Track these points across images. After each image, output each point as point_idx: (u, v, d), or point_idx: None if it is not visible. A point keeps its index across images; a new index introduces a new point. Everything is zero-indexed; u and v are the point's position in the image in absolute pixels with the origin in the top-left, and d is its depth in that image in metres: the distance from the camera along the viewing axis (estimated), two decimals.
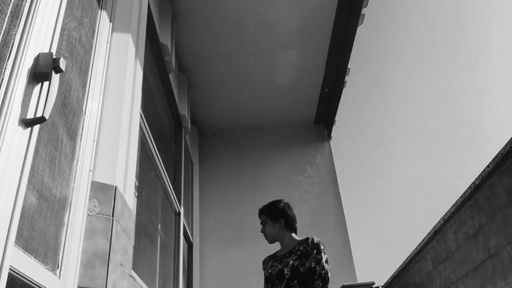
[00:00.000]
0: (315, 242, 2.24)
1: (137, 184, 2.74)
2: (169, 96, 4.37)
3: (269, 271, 2.32)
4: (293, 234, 2.39)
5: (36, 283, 1.30)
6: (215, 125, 6.21)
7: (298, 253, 2.24)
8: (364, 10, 4.32)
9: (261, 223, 2.41)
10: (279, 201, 2.45)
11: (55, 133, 1.56)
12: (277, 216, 2.37)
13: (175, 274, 4.02)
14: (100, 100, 2.10)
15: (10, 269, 1.12)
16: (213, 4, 4.24)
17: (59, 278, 1.52)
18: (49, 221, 1.47)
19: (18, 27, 1.26)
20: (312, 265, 2.14)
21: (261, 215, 2.42)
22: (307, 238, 2.28)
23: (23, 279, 1.23)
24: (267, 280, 2.32)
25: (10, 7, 1.25)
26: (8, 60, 1.20)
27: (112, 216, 1.87)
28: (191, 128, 5.75)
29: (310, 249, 2.21)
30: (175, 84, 4.70)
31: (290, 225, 2.37)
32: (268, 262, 2.40)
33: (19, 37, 1.26)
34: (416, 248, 3.51)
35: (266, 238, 2.39)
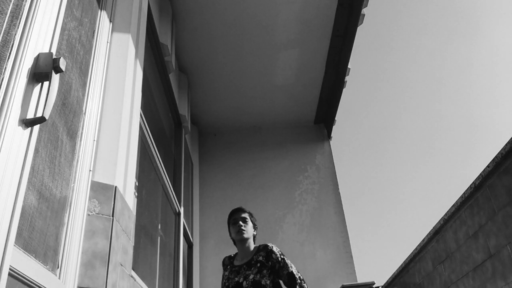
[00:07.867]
0: (275, 252, 2.35)
1: (137, 184, 2.74)
2: (169, 96, 4.37)
3: (226, 284, 2.41)
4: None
5: (36, 283, 1.30)
6: (215, 125, 6.20)
7: (258, 265, 2.32)
8: (364, 10, 4.32)
9: (242, 220, 2.50)
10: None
11: (55, 133, 1.56)
12: (256, 225, 2.60)
13: (175, 274, 4.02)
14: (100, 100, 2.10)
15: (10, 269, 1.12)
16: (213, 4, 4.24)
17: (59, 278, 1.52)
18: (49, 221, 1.47)
19: (18, 27, 1.26)
20: (290, 271, 2.31)
21: (246, 213, 2.55)
22: (266, 247, 2.37)
23: (23, 279, 1.23)
24: None
25: (10, 7, 1.25)
26: (8, 60, 1.20)
27: (112, 216, 1.87)
28: (191, 128, 5.75)
29: (275, 261, 2.32)
30: (175, 84, 4.70)
31: (255, 237, 2.59)
32: (226, 268, 2.53)
33: (19, 37, 1.26)
34: (416, 248, 3.50)
35: (243, 234, 2.46)
